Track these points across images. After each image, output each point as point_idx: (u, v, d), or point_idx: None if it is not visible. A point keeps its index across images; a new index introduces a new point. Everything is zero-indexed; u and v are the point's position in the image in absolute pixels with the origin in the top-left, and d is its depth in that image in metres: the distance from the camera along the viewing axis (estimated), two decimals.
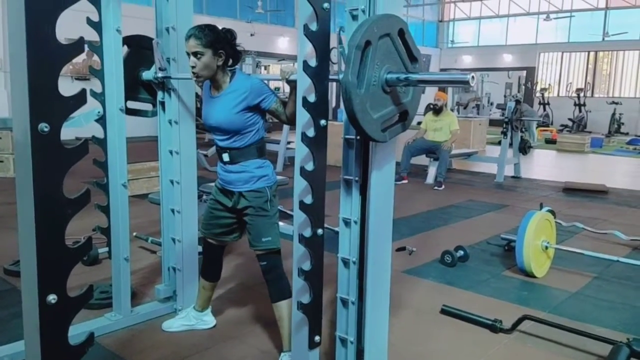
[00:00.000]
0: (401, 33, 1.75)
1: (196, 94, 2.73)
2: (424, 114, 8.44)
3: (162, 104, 2.74)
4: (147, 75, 2.71)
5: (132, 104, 2.73)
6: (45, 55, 1.15)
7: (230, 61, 2.27)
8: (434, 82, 1.70)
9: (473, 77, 1.58)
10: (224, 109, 2.25)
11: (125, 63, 2.56)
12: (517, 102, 7.65)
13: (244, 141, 2.29)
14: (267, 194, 2.31)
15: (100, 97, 2.53)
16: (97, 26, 2.46)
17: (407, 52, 1.78)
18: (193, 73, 2.22)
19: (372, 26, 1.63)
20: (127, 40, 2.63)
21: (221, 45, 2.20)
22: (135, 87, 2.74)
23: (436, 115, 7.40)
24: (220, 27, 2.25)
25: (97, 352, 2.41)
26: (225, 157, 2.33)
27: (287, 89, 2.12)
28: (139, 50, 2.72)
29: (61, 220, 1.23)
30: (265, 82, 2.38)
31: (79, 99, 1.22)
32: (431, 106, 8.31)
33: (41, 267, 1.22)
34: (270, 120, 12.84)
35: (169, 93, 2.68)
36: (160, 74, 2.64)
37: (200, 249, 2.71)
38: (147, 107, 2.90)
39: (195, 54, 2.17)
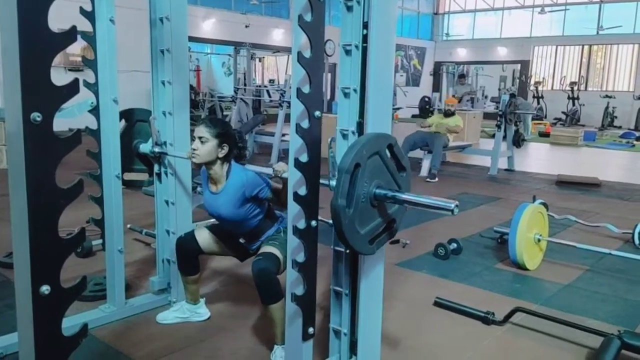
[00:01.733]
0: (390, 147, 1.82)
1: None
2: (418, 106, 8.45)
3: (159, 175, 2.79)
4: (144, 148, 2.76)
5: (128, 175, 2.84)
6: (37, 45, 1.14)
7: (232, 158, 2.40)
8: (420, 205, 1.78)
9: (457, 205, 1.67)
10: (226, 205, 2.37)
11: (122, 136, 2.63)
12: (512, 95, 7.68)
13: (252, 225, 2.43)
14: (280, 229, 2.44)
15: (93, 87, 2.51)
16: (90, 16, 2.44)
17: (395, 163, 1.86)
18: (193, 155, 2.34)
19: (361, 149, 1.70)
20: (124, 114, 2.69)
21: (226, 140, 2.34)
22: (131, 158, 2.82)
23: (446, 117, 7.51)
24: (232, 128, 2.45)
25: (91, 344, 2.41)
26: (242, 240, 2.51)
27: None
28: (135, 123, 2.80)
29: (54, 211, 1.22)
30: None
31: (72, 89, 1.21)
32: (425, 101, 8.33)
33: (34, 258, 1.21)
34: (265, 111, 12.76)
35: (166, 168, 2.74)
36: (157, 149, 2.68)
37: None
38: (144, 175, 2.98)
39: (200, 138, 2.31)
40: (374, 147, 1.76)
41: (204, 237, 2.54)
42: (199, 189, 4.08)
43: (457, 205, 1.69)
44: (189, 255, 2.55)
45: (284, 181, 2.15)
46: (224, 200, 2.38)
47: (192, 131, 2.82)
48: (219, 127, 2.35)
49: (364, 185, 1.74)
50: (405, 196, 1.81)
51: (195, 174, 2.86)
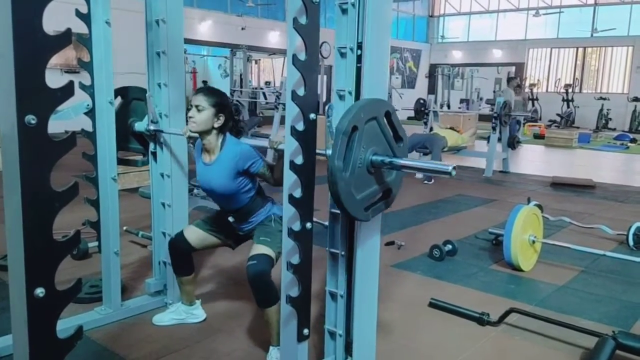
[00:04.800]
0: (387, 115, 1.81)
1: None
2: (413, 108, 8.47)
3: (154, 154, 2.78)
4: (139, 126, 2.74)
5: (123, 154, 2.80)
6: (32, 47, 1.14)
7: (228, 130, 2.39)
8: (417, 169, 1.78)
9: (454, 167, 1.66)
10: (218, 176, 2.35)
11: (117, 114, 2.61)
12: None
13: (242, 201, 2.40)
14: (272, 217, 2.43)
15: (89, 89, 2.51)
16: (86, 18, 2.44)
17: (393, 132, 1.85)
18: (190, 122, 2.32)
19: (359, 112, 1.69)
20: (120, 92, 2.69)
21: (223, 110, 2.34)
22: (126, 137, 2.79)
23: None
24: (229, 100, 2.44)
25: (87, 346, 2.40)
26: (231, 219, 2.48)
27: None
28: (131, 101, 2.78)
29: (49, 214, 1.23)
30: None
31: (67, 91, 1.21)
32: (420, 103, 8.36)
33: (29, 260, 1.21)
34: (261, 114, 12.67)
35: (161, 146, 2.73)
36: (152, 127, 2.67)
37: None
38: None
39: (197, 106, 2.30)
40: (372, 112, 1.74)
41: (193, 234, 2.53)
42: (195, 191, 4.09)
43: (454, 168, 1.66)
44: (182, 256, 2.55)
45: (280, 154, 2.10)
46: (217, 171, 2.36)
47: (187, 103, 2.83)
48: (216, 97, 2.34)
49: (361, 151, 1.72)
50: (402, 161, 1.79)
51: (192, 176, 2.86)
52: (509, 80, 12.80)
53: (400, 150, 1.87)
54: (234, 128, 2.42)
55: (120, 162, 2.74)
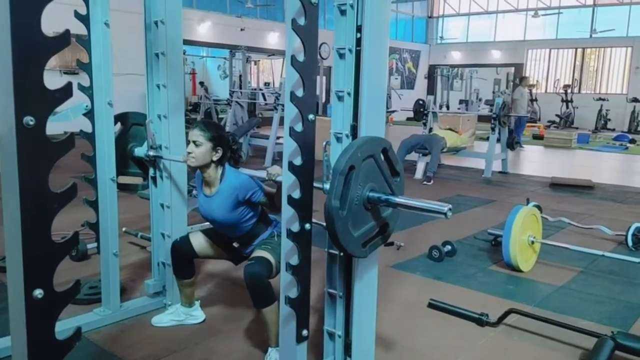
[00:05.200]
0: (384, 151, 1.84)
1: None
2: (413, 109, 8.48)
3: (154, 179, 2.79)
4: (139, 152, 2.77)
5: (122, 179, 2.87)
6: (30, 48, 1.14)
7: (226, 160, 2.43)
8: (413, 208, 1.81)
9: (450, 209, 1.70)
10: (219, 207, 2.39)
11: (117, 140, 2.64)
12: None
13: (244, 229, 2.45)
14: (274, 233, 2.46)
15: (88, 91, 2.51)
16: (85, 19, 2.44)
17: (389, 167, 1.87)
18: (189, 157, 2.36)
19: (356, 152, 1.72)
20: (119, 118, 2.74)
21: (220, 143, 2.37)
22: (126, 162, 2.83)
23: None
24: (226, 131, 2.49)
25: (86, 347, 2.40)
26: (235, 244, 2.55)
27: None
28: (131, 126, 2.82)
29: (47, 215, 1.22)
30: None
31: (65, 92, 1.21)
32: (419, 104, 8.37)
33: (27, 262, 1.21)
34: (261, 115, 12.69)
35: (161, 171, 2.75)
36: (151, 153, 2.69)
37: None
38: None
39: (195, 141, 2.33)
40: (369, 150, 1.77)
41: (198, 241, 2.55)
42: (194, 192, 4.09)
43: (450, 209, 1.70)
44: (183, 259, 2.56)
45: (278, 185, 2.15)
46: (218, 203, 2.39)
47: (186, 134, 2.84)
48: (213, 131, 2.37)
49: (358, 188, 1.75)
50: (398, 199, 1.83)
51: (190, 178, 2.87)
52: (522, 79, 12.79)
53: (397, 185, 1.90)
54: (231, 158, 2.46)
55: (120, 187, 2.76)
